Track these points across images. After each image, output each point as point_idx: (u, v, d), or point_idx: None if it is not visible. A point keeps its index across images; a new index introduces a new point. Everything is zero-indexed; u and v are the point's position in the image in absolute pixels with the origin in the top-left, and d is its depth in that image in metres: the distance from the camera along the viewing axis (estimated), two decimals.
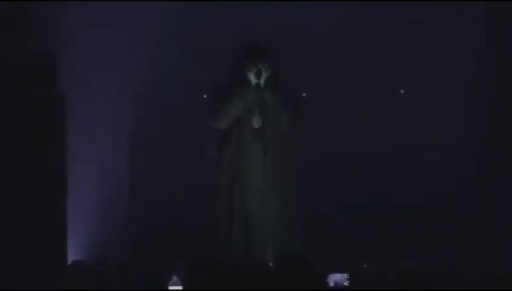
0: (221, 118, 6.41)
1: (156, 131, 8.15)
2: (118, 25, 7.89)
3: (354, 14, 7.99)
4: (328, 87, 8.06)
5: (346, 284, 6.34)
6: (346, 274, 6.39)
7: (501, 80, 7.90)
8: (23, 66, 7.03)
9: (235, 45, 6.71)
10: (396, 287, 4.28)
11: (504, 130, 7.94)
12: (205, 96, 7.44)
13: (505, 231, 7.70)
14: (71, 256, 6.95)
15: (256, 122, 6.33)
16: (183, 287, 4.45)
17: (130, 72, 7.98)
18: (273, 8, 7.91)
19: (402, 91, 8.19)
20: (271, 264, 5.59)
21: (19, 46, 7.22)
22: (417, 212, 7.91)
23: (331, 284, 6.36)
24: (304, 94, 6.88)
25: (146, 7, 7.87)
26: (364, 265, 6.90)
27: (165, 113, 8.15)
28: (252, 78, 6.38)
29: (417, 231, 7.82)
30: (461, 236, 7.72)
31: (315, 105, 7.71)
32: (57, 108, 7.02)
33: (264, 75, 6.37)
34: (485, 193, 7.86)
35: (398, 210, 7.93)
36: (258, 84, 6.33)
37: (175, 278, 5.95)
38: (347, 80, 8.07)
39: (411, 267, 4.35)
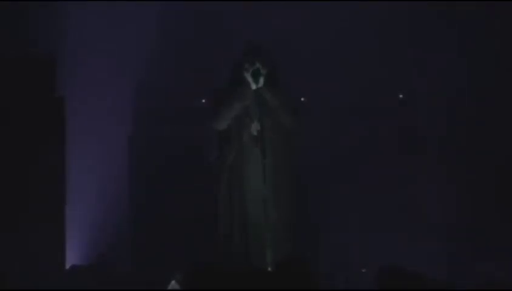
0: (221, 119, 6.39)
1: (156, 133, 8.15)
2: (118, 25, 7.89)
3: (354, 14, 7.99)
4: (327, 90, 8.06)
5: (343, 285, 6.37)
6: (344, 277, 6.42)
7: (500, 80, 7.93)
8: (23, 66, 7.05)
9: (235, 46, 6.71)
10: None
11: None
12: (203, 101, 7.43)
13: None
14: (71, 259, 6.97)
15: (254, 128, 6.29)
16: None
17: (130, 72, 7.99)
18: (274, 11, 7.91)
19: (401, 96, 8.20)
20: (269, 269, 5.62)
21: (19, 47, 7.24)
22: (417, 212, 7.92)
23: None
24: (302, 99, 6.85)
25: (146, 8, 7.87)
26: (363, 270, 6.92)
27: (165, 115, 8.15)
28: (250, 79, 6.34)
29: (416, 232, 7.83)
30: (461, 237, 7.73)
31: (313, 108, 7.71)
32: (57, 108, 7.04)
33: (262, 74, 6.33)
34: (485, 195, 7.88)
35: (397, 211, 7.94)
36: (257, 88, 6.30)
37: (173, 282, 5.95)
38: (346, 83, 8.07)
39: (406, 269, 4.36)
